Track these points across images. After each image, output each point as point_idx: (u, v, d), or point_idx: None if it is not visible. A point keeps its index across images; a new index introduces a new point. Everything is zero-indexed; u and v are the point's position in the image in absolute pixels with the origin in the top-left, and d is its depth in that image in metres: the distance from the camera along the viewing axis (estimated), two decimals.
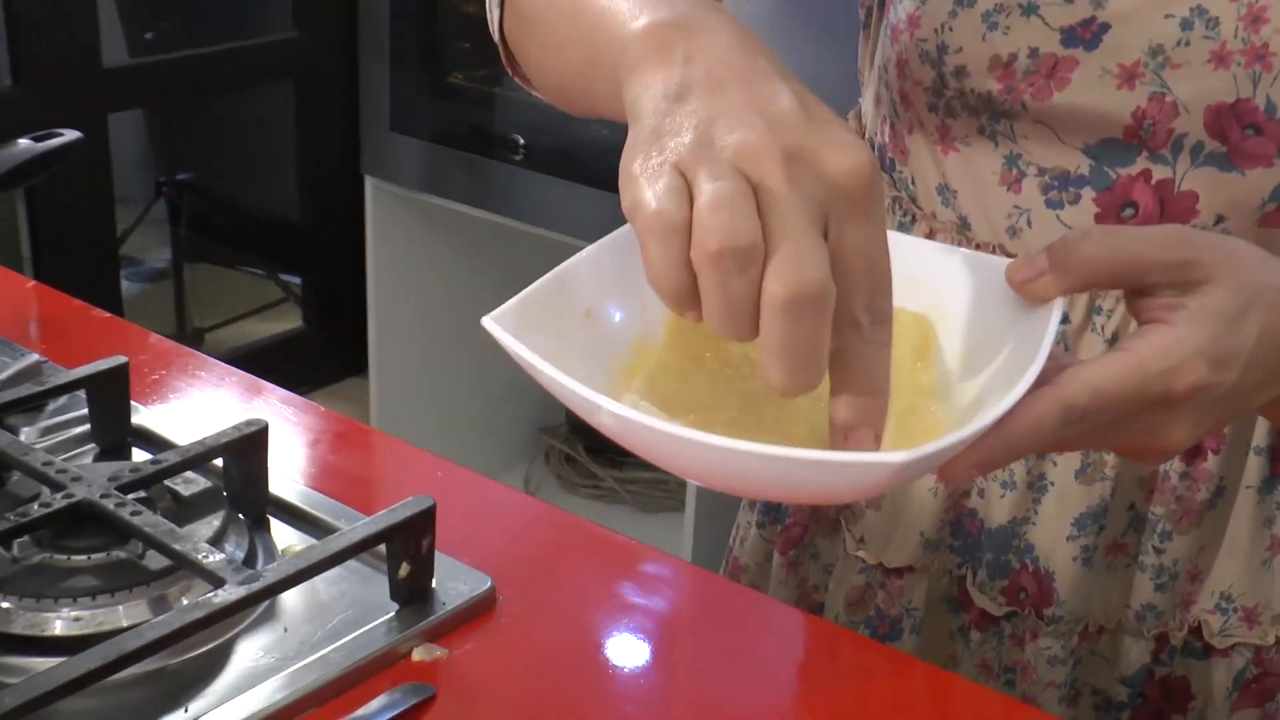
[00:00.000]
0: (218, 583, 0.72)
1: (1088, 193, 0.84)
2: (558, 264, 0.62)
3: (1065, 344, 0.87)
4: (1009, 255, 0.88)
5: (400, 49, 2.49)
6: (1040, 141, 0.85)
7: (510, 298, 0.59)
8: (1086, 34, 0.81)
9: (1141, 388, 0.59)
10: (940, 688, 0.80)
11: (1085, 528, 0.89)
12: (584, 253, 0.63)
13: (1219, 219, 0.82)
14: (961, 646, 0.97)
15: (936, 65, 0.86)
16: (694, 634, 0.83)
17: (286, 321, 3.33)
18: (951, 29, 0.85)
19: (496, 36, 0.87)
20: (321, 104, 2.94)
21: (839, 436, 0.57)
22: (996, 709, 0.79)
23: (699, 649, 0.81)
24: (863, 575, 0.99)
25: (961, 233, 0.91)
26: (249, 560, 0.81)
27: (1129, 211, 0.83)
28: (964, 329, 0.65)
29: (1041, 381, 0.58)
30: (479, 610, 0.80)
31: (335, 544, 0.76)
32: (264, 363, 3.16)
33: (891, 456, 0.50)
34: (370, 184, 2.56)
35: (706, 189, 0.53)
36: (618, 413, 0.54)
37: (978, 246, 0.90)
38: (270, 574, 0.73)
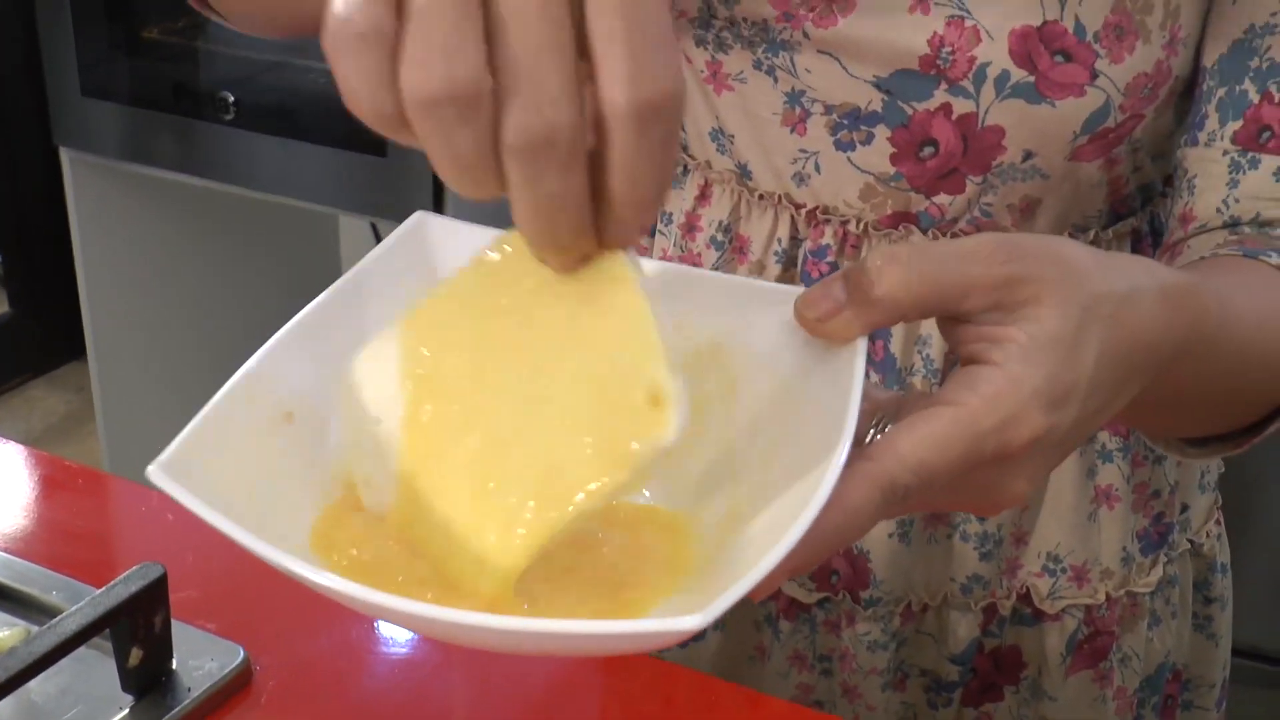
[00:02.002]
0: None
1: (881, 131, 0.76)
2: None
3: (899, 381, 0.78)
4: (795, 205, 0.80)
5: (84, 4, 2.27)
6: (825, 75, 0.75)
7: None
8: None
9: (972, 449, 0.48)
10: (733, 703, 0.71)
11: None
12: (268, 345, 0.50)
13: (1027, 155, 0.74)
14: (770, 637, 0.89)
15: None
16: (473, 673, 0.72)
17: None
18: None
19: None
20: (0, 69, 2.68)
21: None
22: None
23: (479, 693, 0.71)
24: None
25: (741, 182, 0.81)
26: None
27: (929, 150, 0.75)
28: (747, 379, 0.53)
29: (854, 441, 0.47)
30: (233, 690, 0.68)
31: (43, 642, 0.62)
32: None
33: (685, 623, 0.39)
34: (66, 155, 2.35)
35: (416, 2, 0.41)
36: (327, 584, 0.41)
37: (760, 197, 0.80)
38: None
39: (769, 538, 0.43)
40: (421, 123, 0.41)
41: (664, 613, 0.47)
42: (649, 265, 0.56)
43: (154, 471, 0.44)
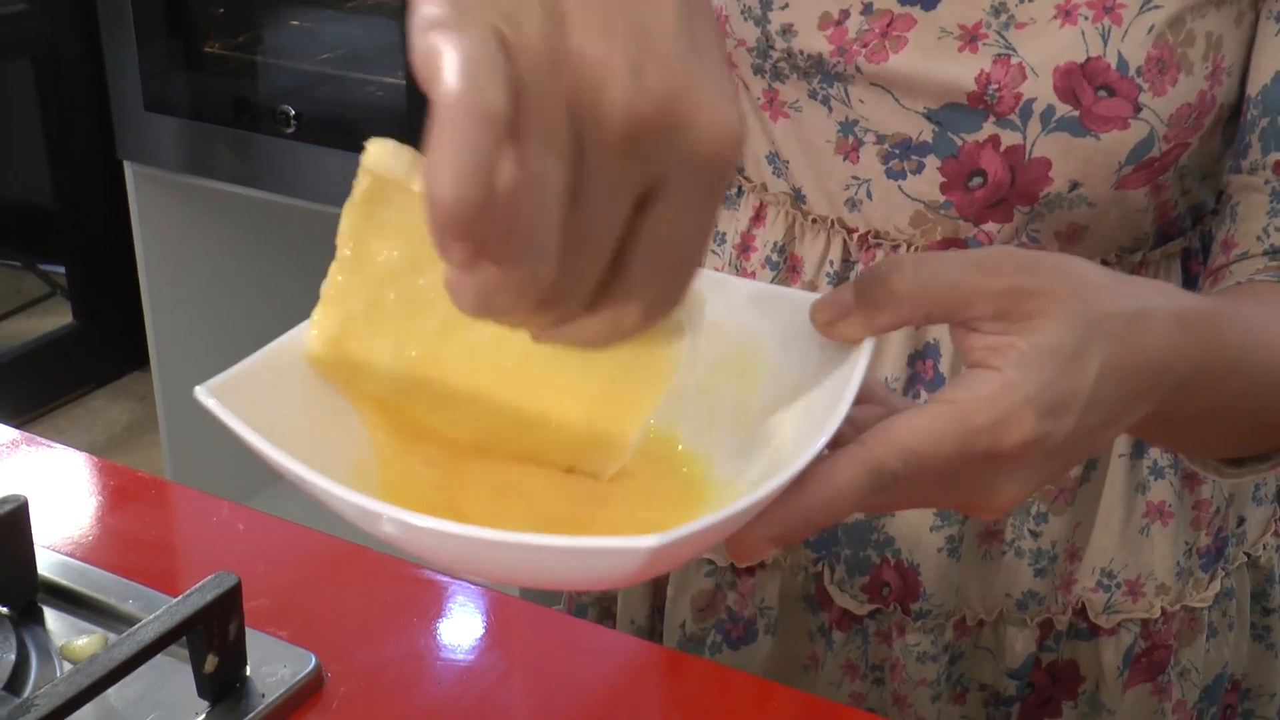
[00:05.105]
0: None
1: (931, 161, 0.77)
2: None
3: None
4: (848, 229, 0.81)
5: (147, 20, 2.31)
6: (878, 106, 0.77)
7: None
8: None
9: (963, 445, 0.49)
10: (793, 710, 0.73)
11: (949, 517, 0.83)
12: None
13: (1073, 185, 0.75)
14: (823, 647, 0.90)
15: (761, 23, 0.77)
16: (537, 680, 0.74)
17: (56, 317, 3.15)
18: None
19: None
20: (65, 84, 2.74)
21: None
22: None
23: (544, 698, 0.73)
24: (710, 578, 0.91)
25: (796, 206, 0.83)
26: (19, 670, 0.69)
27: (977, 180, 0.76)
28: (766, 375, 0.56)
29: (859, 429, 0.49)
30: (305, 695, 0.70)
31: (122, 650, 0.64)
32: (38, 364, 2.99)
33: (642, 541, 0.40)
34: (130, 169, 2.39)
35: (526, 127, 0.38)
36: (342, 496, 0.43)
37: (814, 221, 0.82)
38: (44, 701, 0.61)
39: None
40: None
41: None
42: None
43: (201, 391, 0.46)
